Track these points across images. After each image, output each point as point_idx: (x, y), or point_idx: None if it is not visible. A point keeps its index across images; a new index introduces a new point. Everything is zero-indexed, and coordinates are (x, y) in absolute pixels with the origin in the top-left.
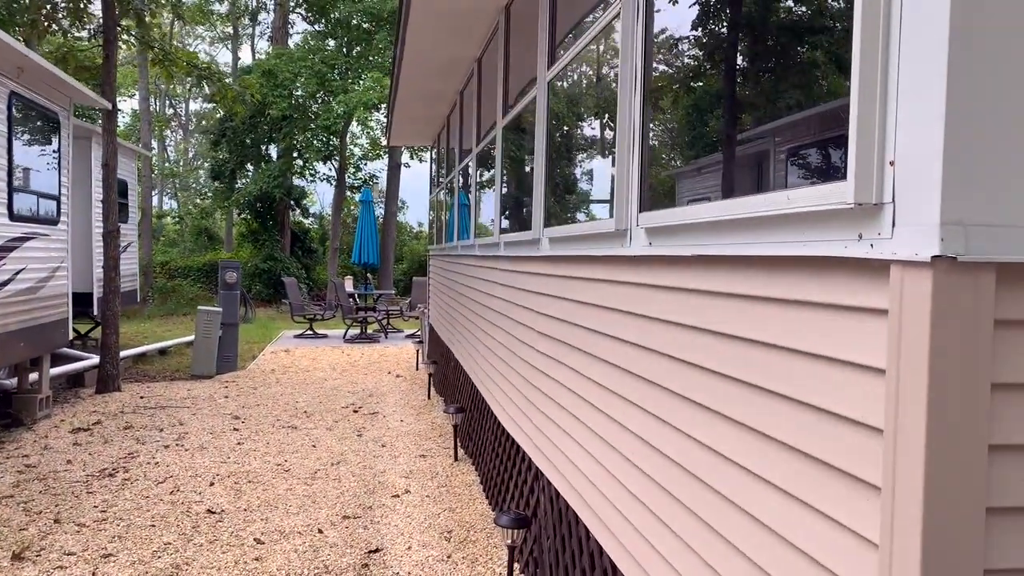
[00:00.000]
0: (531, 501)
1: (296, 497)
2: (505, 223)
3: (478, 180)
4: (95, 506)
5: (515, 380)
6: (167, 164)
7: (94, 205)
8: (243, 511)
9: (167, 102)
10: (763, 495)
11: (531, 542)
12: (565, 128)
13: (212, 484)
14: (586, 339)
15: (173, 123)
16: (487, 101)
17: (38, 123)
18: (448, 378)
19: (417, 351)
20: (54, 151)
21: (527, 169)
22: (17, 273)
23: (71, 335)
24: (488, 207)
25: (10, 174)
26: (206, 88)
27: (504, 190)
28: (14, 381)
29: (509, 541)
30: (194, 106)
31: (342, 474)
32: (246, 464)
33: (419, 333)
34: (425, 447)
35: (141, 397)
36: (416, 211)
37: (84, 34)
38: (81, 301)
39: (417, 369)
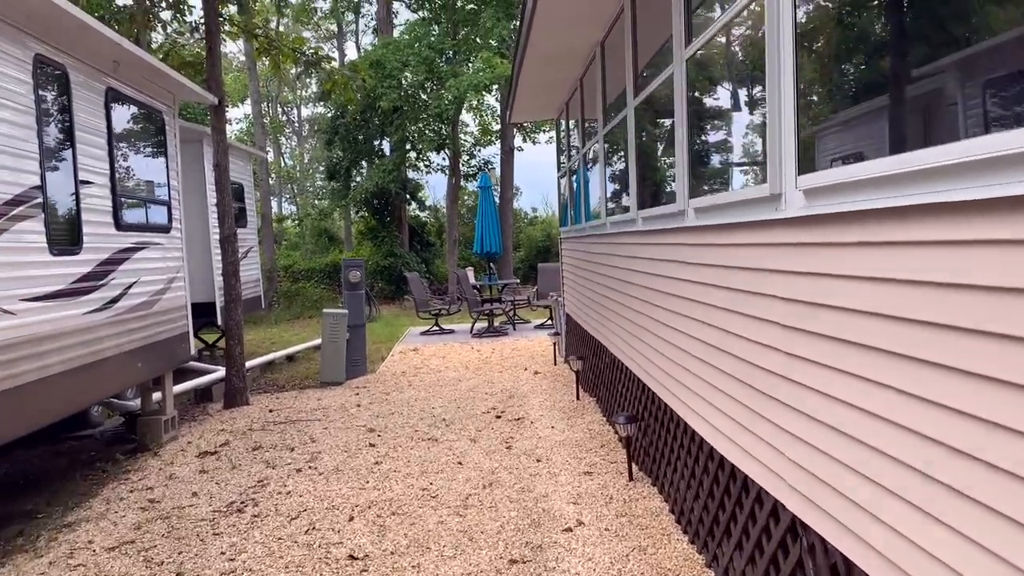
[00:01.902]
0: (780, 560)
1: (450, 533)
2: (692, 184)
3: (638, 138)
4: (222, 552)
5: (735, 390)
6: (283, 167)
7: (210, 211)
8: (390, 555)
9: (279, 109)
10: None
11: None
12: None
13: (352, 519)
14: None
15: (287, 129)
16: (647, 37)
17: (141, 122)
18: (602, 375)
19: (554, 344)
20: (161, 152)
21: (731, 101)
22: (129, 287)
23: (193, 348)
24: (656, 170)
25: (113, 179)
26: (314, 85)
27: (691, 141)
28: (139, 402)
29: None
30: (306, 111)
31: (497, 500)
32: (387, 490)
33: (551, 322)
34: (588, 461)
35: (270, 411)
36: (530, 197)
37: (186, 34)
38: (205, 311)
39: (555, 364)
